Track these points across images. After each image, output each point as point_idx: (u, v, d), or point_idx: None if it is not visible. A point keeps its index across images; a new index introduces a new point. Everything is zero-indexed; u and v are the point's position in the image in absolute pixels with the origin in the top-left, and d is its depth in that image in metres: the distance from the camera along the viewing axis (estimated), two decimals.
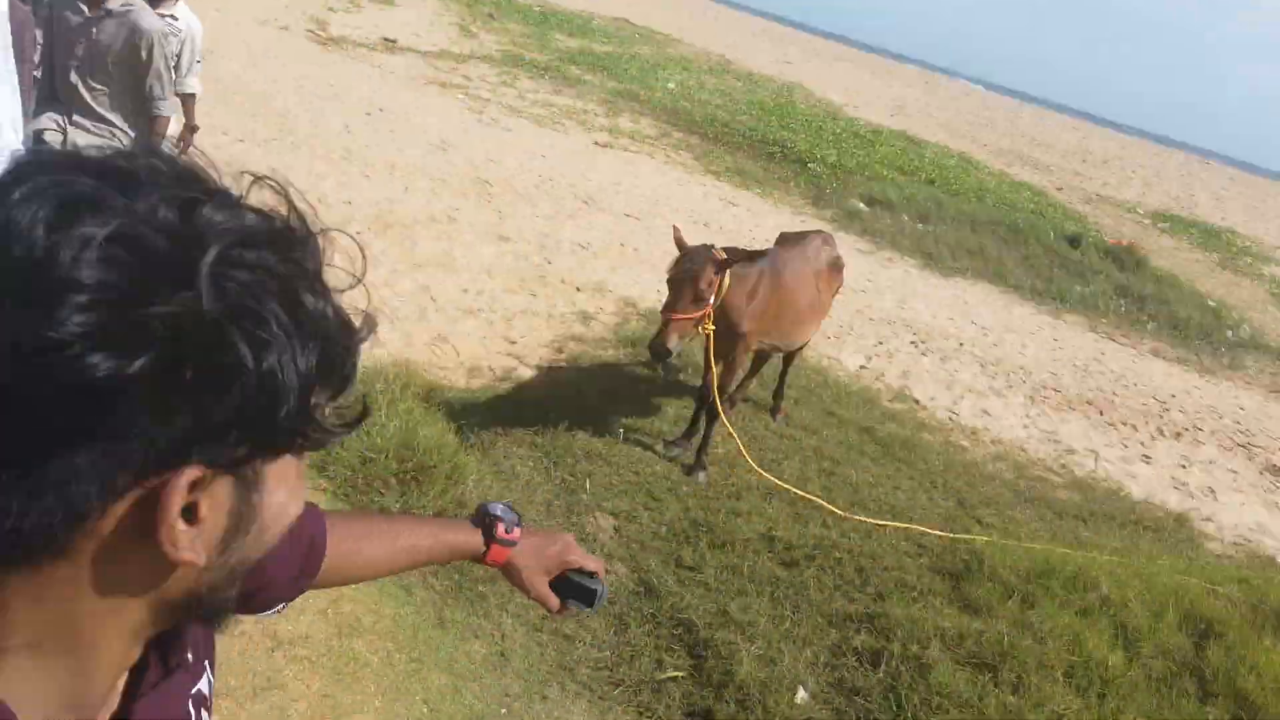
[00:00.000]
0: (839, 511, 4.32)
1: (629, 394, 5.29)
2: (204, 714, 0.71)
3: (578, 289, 7.04)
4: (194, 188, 0.51)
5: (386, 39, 15.70)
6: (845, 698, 3.19)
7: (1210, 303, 12.79)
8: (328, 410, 0.56)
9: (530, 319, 6.29)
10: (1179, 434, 7.62)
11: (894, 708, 3.13)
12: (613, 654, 3.18)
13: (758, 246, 4.68)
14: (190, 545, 0.53)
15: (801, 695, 3.16)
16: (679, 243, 4.08)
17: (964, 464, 5.65)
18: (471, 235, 7.54)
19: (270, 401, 0.50)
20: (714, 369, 4.28)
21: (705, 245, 4.02)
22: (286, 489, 0.59)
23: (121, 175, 0.50)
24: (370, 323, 0.57)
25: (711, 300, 3.94)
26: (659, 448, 4.66)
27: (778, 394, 5.41)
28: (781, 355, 5.28)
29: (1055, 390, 7.90)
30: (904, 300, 9.48)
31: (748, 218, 11.14)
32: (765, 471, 4.51)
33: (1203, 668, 3.52)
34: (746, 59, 25.54)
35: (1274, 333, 12.48)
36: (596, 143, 12.94)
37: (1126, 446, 7.04)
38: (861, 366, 7.17)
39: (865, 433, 5.55)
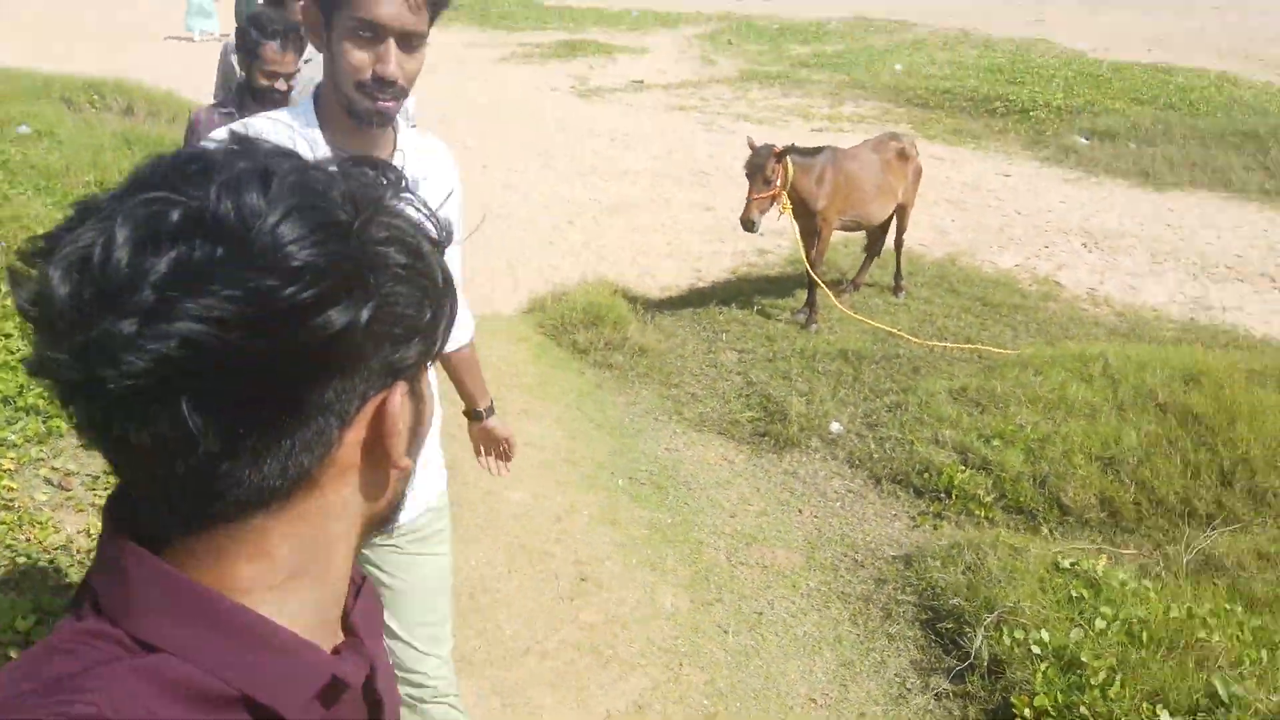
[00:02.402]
0: (913, 339, 5.75)
1: (775, 290, 7.02)
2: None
3: (762, 234, 8.83)
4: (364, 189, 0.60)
5: (634, 81, 18.45)
6: (868, 428, 4.75)
7: None
8: None
9: (718, 257, 8.20)
10: None
11: (900, 430, 4.64)
12: (711, 410, 5.01)
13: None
14: (404, 452, 0.64)
15: (835, 426, 4.77)
16: (750, 145, 5.81)
17: (1073, 318, 6.65)
18: (681, 210, 9.62)
19: (445, 311, 0.62)
20: (803, 245, 5.97)
21: (767, 144, 5.71)
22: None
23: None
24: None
25: (778, 183, 5.61)
26: (785, 316, 6.36)
27: (896, 274, 6.82)
28: (892, 240, 6.72)
29: (1229, 268, 8.32)
30: (1092, 215, 10.11)
31: (948, 167, 12.20)
32: (864, 319, 6.04)
33: (1156, 391, 4.57)
34: (986, 27, 25.58)
35: None
36: (813, 129, 14.56)
37: None
38: (1016, 265, 8.21)
39: (979, 300, 6.78)
